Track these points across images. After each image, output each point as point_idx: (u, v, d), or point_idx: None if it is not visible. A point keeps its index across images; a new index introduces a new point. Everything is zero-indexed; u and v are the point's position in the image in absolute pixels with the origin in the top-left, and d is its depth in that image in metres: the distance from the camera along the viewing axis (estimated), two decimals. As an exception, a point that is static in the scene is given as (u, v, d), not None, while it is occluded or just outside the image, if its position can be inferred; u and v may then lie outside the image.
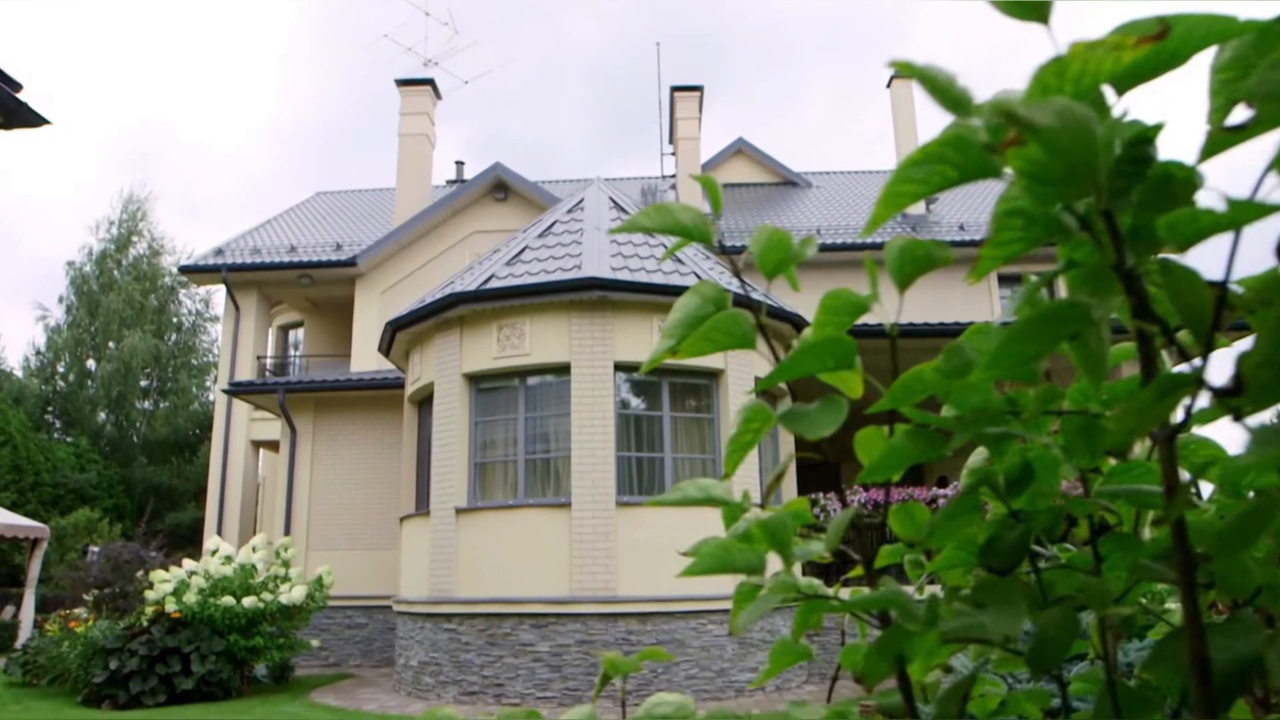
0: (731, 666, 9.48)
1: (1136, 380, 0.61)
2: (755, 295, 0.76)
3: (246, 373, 17.54)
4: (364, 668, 13.15)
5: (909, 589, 0.70)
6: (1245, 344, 0.51)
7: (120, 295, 32.25)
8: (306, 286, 18.43)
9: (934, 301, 15.94)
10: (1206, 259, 0.55)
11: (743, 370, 10.36)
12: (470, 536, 10.04)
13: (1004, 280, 18.40)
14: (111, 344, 31.90)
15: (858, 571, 0.78)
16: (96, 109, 79.92)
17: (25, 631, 13.91)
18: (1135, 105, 0.53)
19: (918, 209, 19.77)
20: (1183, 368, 0.53)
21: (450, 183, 24.26)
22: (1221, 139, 0.52)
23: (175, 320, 34.50)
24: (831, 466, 0.78)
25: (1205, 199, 0.52)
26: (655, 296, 10.02)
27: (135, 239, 34.39)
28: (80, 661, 10.21)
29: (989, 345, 0.59)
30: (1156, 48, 0.50)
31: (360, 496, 13.97)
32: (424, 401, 11.69)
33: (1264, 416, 0.54)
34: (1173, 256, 0.53)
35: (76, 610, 12.93)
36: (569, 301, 10.05)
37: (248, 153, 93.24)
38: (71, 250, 54.89)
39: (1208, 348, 0.52)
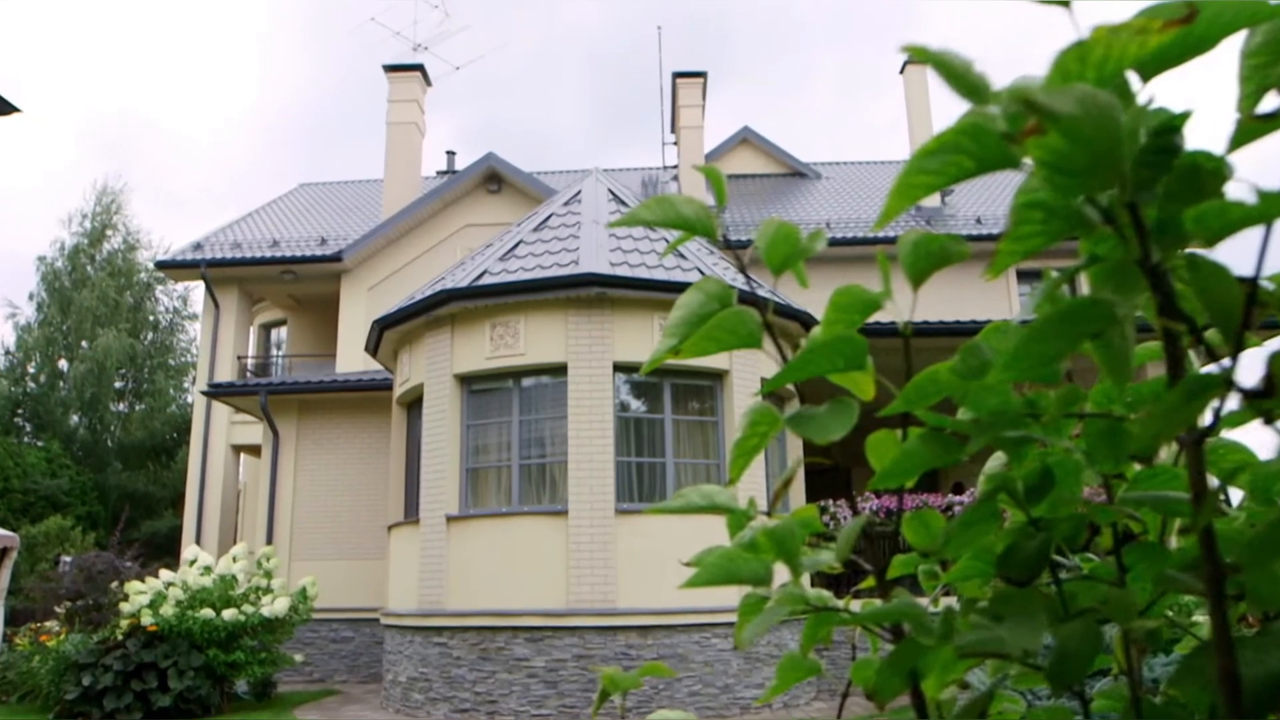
0: (736, 682, 9.48)
1: (1163, 381, 0.61)
2: (761, 292, 0.76)
3: (227, 373, 17.55)
4: (350, 684, 13.16)
5: (923, 601, 0.70)
6: (1277, 343, 0.51)
7: (94, 292, 32.23)
8: (289, 283, 18.44)
9: (949, 299, 15.92)
10: (1236, 254, 0.55)
11: (748, 371, 10.36)
12: (462, 546, 10.04)
13: (1023, 276, 18.40)
14: (85, 343, 31.89)
15: (869, 583, 0.78)
16: (68, 95, 80.00)
17: (-7, 646, 13.90)
18: (1161, 92, 0.53)
19: (932, 201, 19.78)
20: (1211, 368, 0.53)
21: (441, 174, 24.29)
22: (1252, 127, 0.52)
23: (152, 318, 34.49)
24: (842, 472, 0.78)
25: (1234, 190, 0.52)
26: (656, 293, 10.02)
27: (110, 233, 34.40)
28: (52, 677, 10.21)
29: (1007, 344, 0.59)
30: (1183, 32, 0.50)
31: (346, 503, 13.97)
32: (413, 404, 11.69)
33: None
34: (1200, 251, 0.53)
35: (48, 623, 12.94)
36: (566, 299, 10.05)
37: (227, 142, 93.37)
38: (43, 244, 54.99)
39: (1237, 347, 0.52)
